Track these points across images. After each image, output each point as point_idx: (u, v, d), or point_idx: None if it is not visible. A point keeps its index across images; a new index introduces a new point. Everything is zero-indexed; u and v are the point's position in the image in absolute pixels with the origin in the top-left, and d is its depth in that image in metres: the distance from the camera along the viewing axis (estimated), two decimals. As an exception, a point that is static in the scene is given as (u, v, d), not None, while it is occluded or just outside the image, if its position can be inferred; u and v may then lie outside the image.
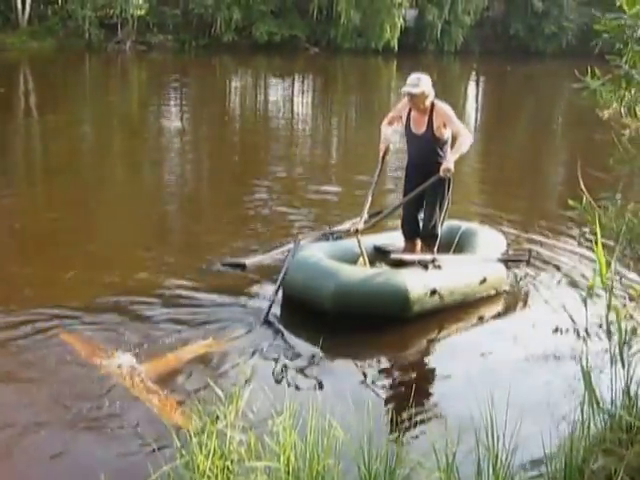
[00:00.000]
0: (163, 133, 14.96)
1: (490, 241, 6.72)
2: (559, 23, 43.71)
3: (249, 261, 6.39)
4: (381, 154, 6.49)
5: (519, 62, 36.96)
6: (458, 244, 6.56)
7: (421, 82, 6.14)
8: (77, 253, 7.11)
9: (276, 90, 23.45)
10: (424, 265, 6.05)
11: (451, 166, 5.99)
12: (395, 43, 36.69)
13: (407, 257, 6.26)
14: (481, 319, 6.18)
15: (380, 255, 6.51)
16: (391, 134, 6.54)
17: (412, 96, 6.16)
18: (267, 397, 3.69)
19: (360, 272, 5.91)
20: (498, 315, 6.25)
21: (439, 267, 6.07)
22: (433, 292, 5.90)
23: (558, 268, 7.20)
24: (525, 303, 6.40)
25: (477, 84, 31.13)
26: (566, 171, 13.19)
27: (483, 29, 42.68)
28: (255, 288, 6.35)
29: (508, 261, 6.64)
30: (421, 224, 6.51)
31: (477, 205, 9.75)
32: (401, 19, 36.71)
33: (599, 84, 4.02)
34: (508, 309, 6.31)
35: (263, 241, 7.51)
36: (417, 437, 4.22)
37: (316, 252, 6.11)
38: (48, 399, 4.46)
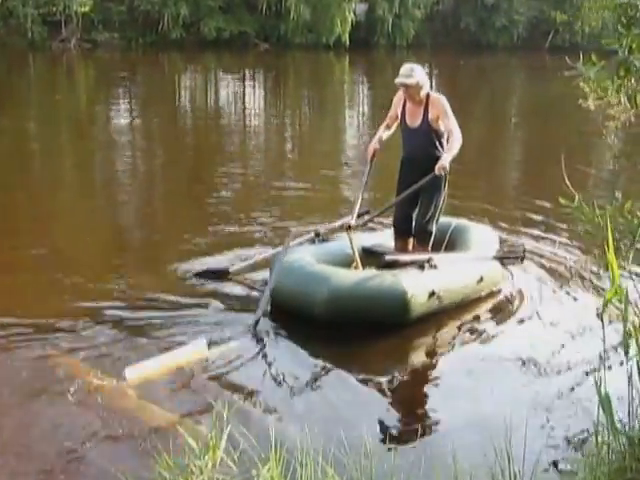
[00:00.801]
0: (112, 133, 14.42)
1: (483, 238, 6.48)
2: (509, 16, 43.84)
3: (232, 268, 6.15)
4: (369, 156, 6.27)
5: (471, 55, 36.96)
6: (449, 241, 6.32)
7: (414, 72, 5.95)
8: (25, 258, 6.63)
9: (226, 87, 22.94)
10: (420, 265, 5.74)
11: (447, 164, 5.77)
12: (346, 38, 36.39)
13: (402, 258, 5.94)
14: (478, 320, 5.83)
15: (371, 256, 6.14)
16: (384, 138, 6.29)
17: (407, 87, 5.96)
18: (253, 431, 3.34)
19: (354, 276, 5.60)
20: (496, 317, 5.92)
21: (435, 267, 5.75)
22: (432, 294, 5.58)
23: (552, 264, 6.98)
24: (522, 303, 6.09)
25: (431, 78, 30.57)
26: (540, 163, 12.90)
27: (434, 23, 42.69)
28: (241, 295, 6.00)
29: (503, 258, 6.44)
30: (414, 221, 6.26)
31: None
32: (352, 13, 36.43)
33: (595, 71, 3.78)
34: (505, 310, 6.03)
35: (234, 242, 7.11)
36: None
37: (304, 255, 5.78)
38: (25, 425, 4.03)
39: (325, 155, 12.77)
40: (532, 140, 15.12)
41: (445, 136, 6.04)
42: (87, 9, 31.69)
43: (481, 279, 6.03)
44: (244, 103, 19.63)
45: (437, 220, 6.20)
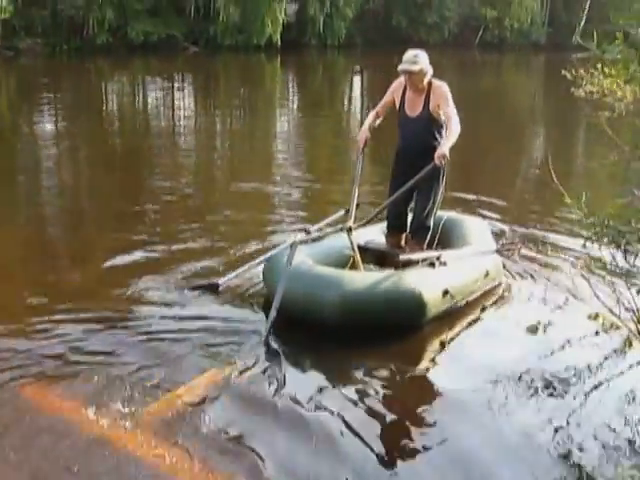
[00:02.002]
0: (35, 142, 13.66)
1: (478, 231, 6.34)
2: (440, 13, 44.23)
3: (222, 280, 5.79)
4: (361, 145, 5.99)
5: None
6: (441, 236, 6.13)
7: (419, 59, 5.72)
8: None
9: (155, 92, 22.25)
10: (430, 263, 5.53)
11: (446, 152, 5.49)
12: (278, 38, 36.03)
13: (415, 256, 5.69)
14: (485, 314, 5.68)
15: (366, 253, 5.91)
16: (373, 125, 6.04)
17: (410, 74, 5.74)
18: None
19: (365, 278, 5.31)
20: (503, 312, 5.74)
21: (445, 264, 5.56)
22: (445, 292, 5.38)
23: (548, 256, 6.80)
24: (525, 297, 5.95)
25: (361, 76, 30.76)
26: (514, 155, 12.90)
27: (365, 21, 42.53)
28: (238, 307, 5.59)
29: (503, 251, 6.37)
30: (410, 215, 6.10)
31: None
32: (283, 13, 36.03)
33: (617, 51, 3.57)
34: (512, 305, 5.86)
35: (186, 259, 6.56)
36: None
37: (303, 258, 5.42)
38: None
39: (262, 159, 12.58)
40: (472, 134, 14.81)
41: (444, 126, 5.81)
42: (7, 15, 30.54)
43: (487, 273, 5.90)
44: (173, 108, 19.13)
45: (435, 214, 6.03)
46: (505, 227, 7.59)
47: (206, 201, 9.26)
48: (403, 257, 5.68)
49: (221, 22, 35.20)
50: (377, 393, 4.41)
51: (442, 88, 5.81)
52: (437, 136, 5.83)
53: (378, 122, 6.10)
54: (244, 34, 35.83)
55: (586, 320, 5.19)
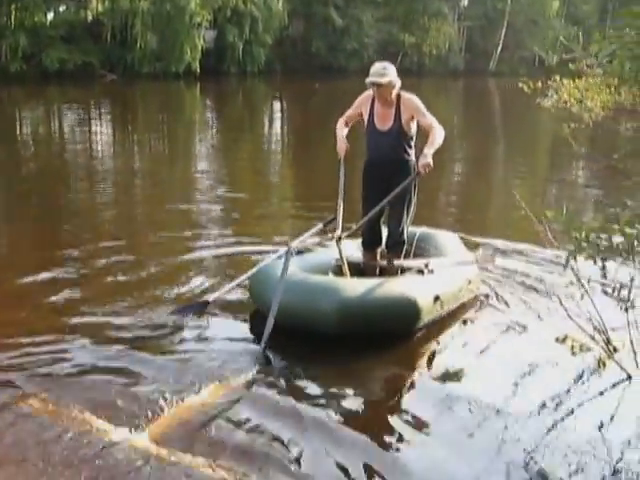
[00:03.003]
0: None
1: (451, 243, 6.48)
2: (359, 40, 44.73)
3: (212, 297, 5.53)
4: (342, 155, 5.90)
5: (323, 79, 37.37)
6: (416, 250, 6.19)
7: (387, 71, 5.65)
8: None
9: (71, 121, 21.37)
10: (419, 271, 5.68)
11: (430, 161, 5.44)
12: (197, 66, 35.74)
13: (406, 263, 5.90)
14: (467, 323, 5.76)
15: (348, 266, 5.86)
16: (346, 136, 5.96)
17: (379, 86, 5.65)
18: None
19: (361, 285, 5.24)
20: (486, 322, 5.76)
21: (432, 272, 5.67)
22: (436, 299, 5.44)
23: (520, 266, 7.08)
24: (507, 305, 6.00)
25: (281, 102, 30.95)
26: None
27: (284, 48, 42.69)
28: (230, 322, 5.60)
29: (480, 262, 6.38)
30: (388, 232, 6.04)
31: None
32: (201, 40, 35.49)
33: (611, 51, 3.52)
34: (493, 313, 5.92)
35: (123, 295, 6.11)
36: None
37: (292, 269, 5.36)
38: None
39: (184, 187, 12.19)
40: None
41: (414, 138, 5.85)
42: None
43: (469, 282, 5.97)
44: (90, 135, 18.27)
45: (408, 227, 6.02)
46: (477, 240, 7.63)
47: (128, 224, 9.10)
48: (397, 263, 5.87)
49: (139, 49, 34.55)
50: (373, 400, 4.51)
51: (412, 99, 5.74)
52: (408, 149, 5.81)
53: (346, 131, 5.98)
54: (162, 61, 35.33)
55: (555, 342, 5.10)
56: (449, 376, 4.79)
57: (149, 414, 3.98)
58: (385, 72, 5.58)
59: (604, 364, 4.80)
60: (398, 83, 5.68)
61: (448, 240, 6.46)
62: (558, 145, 13.78)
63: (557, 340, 5.09)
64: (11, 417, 3.97)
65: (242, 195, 10.92)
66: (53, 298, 5.88)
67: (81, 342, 5.05)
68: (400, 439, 3.98)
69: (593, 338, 4.75)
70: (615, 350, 4.80)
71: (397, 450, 3.90)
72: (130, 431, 3.80)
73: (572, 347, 4.98)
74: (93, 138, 17.63)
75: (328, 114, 23.81)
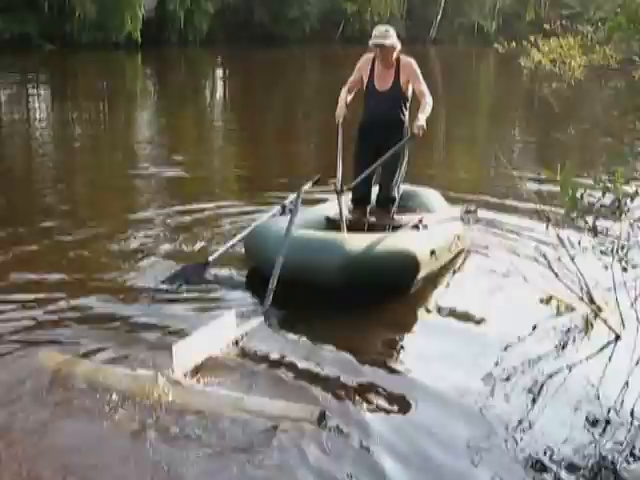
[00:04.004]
0: None
1: (434, 200, 6.70)
2: (301, 8, 44.36)
3: (211, 257, 5.72)
4: (340, 120, 6.05)
5: (264, 49, 37.30)
6: (400, 207, 6.36)
7: (389, 33, 5.93)
8: None
9: (8, 91, 20.92)
10: (414, 226, 5.88)
11: (424, 124, 5.73)
12: (138, 35, 35.12)
13: (405, 219, 6.11)
14: (456, 275, 6.03)
15: (334, 225, 5.99)
16: (348, 103, 6.14)
17: (383, 48, 5.93)
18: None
19: (362, 240, 5.37)
20: (471, 277, 6.03)
21: (426, 227, 5.88)
22: (432, 252, 5.63)
23: (504, 221, 7.40)
24: (482, 272, 6.08)
25: (223, 71, 30.88)
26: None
27: (226, 17, 42.00)
28: (228, 280, 5.69)
29: (464, 217, 6.57)
30: (380, 189, 6.27)
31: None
32: (142, 9, 34.96)
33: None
34: (478, 268, 6.18)
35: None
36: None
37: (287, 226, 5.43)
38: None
39: (122, 146, 12.54)
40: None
41: (409, 100, 6.10)
42: None
43: (458, 237, 6.17)
44: (27, 107, 18.08)
45: (400, 185, 6.25)
46: (456, 196, 7.76)
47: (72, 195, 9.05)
48: (397, 217, 6.12)
49: (77, 19, 33.90)
50: (374, 357, 4.54)
51: (411, 64, 5.99)
52: (404, 110, 6.06)
53: (350, 98, 6.16)
54: (102, 31, 34.68)
55: (539, 303, 5.15)
56: (438, 334, 4.92)
57: (179, 351, 4.01)
58: (388, 34, 5.87)
59: (591, 325, 4.89)
60: (398, 46, 5.96)
61: (431, 197, 6.71)
62: (541, 106, 14.06)
63: (541, 301, 5.16)
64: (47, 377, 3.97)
65: (183, 162, 10.93)
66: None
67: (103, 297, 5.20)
68: (391, 394, 4.04)
69: (582, 299, 4.85)
70: (600, 310, 4.85)
71: (389, 404, 3.95)
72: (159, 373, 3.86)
73: (557, 307, 5.09)
74: (31, 108, 17.41)
75: (270, 83, 24.20)
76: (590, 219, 4.19)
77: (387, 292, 5.25)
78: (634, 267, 4.39)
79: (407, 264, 5.40)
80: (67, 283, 5.57)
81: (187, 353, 4.02)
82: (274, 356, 4.36)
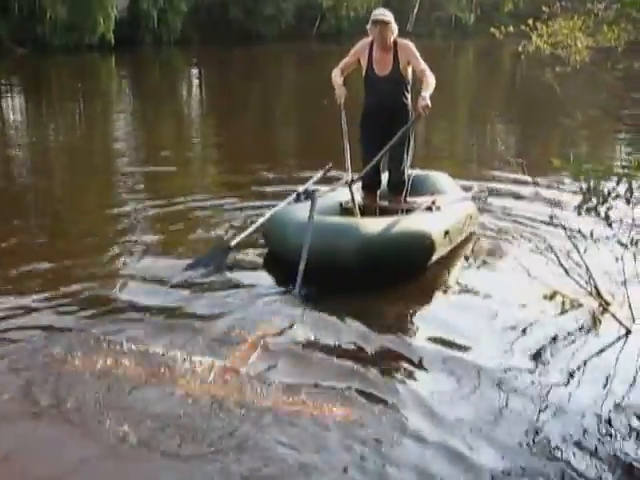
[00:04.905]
0: None
1: (445, 183, 6.83)
2: (277, 5, 43.88)
3: (233, 242, 5.79)
4: (341, 101, 6.07)
5: (241, 47, 36.81)
6: (412, 191, 6.46)
7: (388, 13, 5.99)
8: None
9: None
10: (428, 208, 6.01)
11: (429, 102, 5.69)
12: (111, 36, 34.42)
13: (419, 200, 6.26)
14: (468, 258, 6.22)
15: (347, 212, 6.19)
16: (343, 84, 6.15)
17: (383, 25, 5.92)
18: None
19: (377, 224, 5.56)
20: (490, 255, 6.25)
21: (439, 209, 6.01)
22: (446, 233, 5.81)
23: (511, 205, 7.60)
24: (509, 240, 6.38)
25: (199, 71, 29.98)
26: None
27: (200, 16, 41.48)
28: (251, 266, 5.89)
29: (476, 198, 6.80)
30: (390, 173, 6.36)
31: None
32: (114, 9, 34.33)
33: None
34: (493, 249, 6.38)
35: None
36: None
37: (306, 213, 5.57)
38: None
39: (99, 147, 12.45)
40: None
41: (410, 85, 6.13)
42: None
43: (470, 217, 6.37)
44: (1, 113, 17.52)
45: (409, 167, 6.34)
46: (469, 182, 7.85)
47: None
48: (409, 200, 6.27)
49: (49, 20, 33.11)
50: (397, 334, 4.69)
51: (409, 45, 5.99)
52: (406, 94, 6.08)
53: (342, 80, 6.12)
54: (75, 33, 33.96)
55: (543, 299, 5.01)
56: (446, 328, 4.87)
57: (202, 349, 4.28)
58: (386, 13, 5.95)
59: (599, 320, 4.81)
60: (396, 29, 6.00)
61: (442, 180, 6.84)
62: (546, 91, 14.16)
63: (545, 297, 5.02)
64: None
65: (165, 156, 11.12)
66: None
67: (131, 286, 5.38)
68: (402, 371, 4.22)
69: (590, 293, 4.80)
70: (608, 305, 4.81)
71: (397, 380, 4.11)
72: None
73: (563, 303, 5.00)
74: (5, 112, 17.04)
75: (247, 82, 23.82)
76: (603, 209, 4.14)
77: (402, 274, 5.42)
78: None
79: (422, 245, 5.58)
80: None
81: None
82: (307, 339, 4.55)
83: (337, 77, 6.06)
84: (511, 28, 5.47)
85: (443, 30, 52.30)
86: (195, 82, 26.50)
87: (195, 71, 30.13)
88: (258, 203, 7.50)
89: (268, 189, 8.29)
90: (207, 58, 33.73)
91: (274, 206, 6.04)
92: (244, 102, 18.95)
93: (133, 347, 4.24)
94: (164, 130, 14.87)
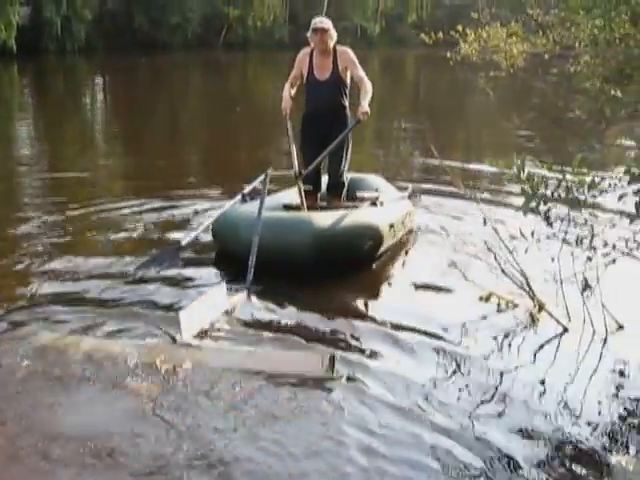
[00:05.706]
0: None
1: (380, 184, 7.05)
2: (183, 14, 43.66)
3: (184, 242, 5.64)
4: (287, 112, 6.35)
5: (146, 56, 36.45)
6: (349, 192, 6.63)
7: (326, 20, 6.36)
8: None
9: None
10: (372, 203, 6.24)
11: (368, 110, 6.00)
12: (12, 44, 33.52)
13: (367, 195, 6.46)
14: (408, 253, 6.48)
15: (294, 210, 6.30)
16: (292, 97, 6.44)
17: (323, 32, 6.22)
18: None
19: (328, 217, 5.68)
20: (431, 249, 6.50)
21: (382, 204, 6.23)
22: (391, 226, 6.01)
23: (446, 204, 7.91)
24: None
25: (104, 80, 29.74)
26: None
27: (104, 23, 40.97)
28: (201, 264, 5.97)
29: (412, 197, 7.02)
30: (329, 175, 6.58)
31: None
32: (17, 17, 33.39)
33: None
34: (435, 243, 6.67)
35: None
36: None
37: (254, 211, 5.68)
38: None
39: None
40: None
41: (348, 89, 6.41)
42: None
43: (409, 214, 6.61)
44: None
45: (347, 170, 6.56)
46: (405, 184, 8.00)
47: None
48: (359, 194, 6.46)
49: (-54, 28, 31.57)
50: (351, 325, 4.79)
51: (347, 52, 6.31)
52: (345, 97, 6.37)
53: (293, 92, 6.46)
54: (-26, 40, 32.57)
55: (479, 301, 5.10)
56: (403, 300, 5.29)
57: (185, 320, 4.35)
58: (324, 21, 6.31)
59: (537, 319, 4.84)
60: (335, 35, 6.31)
61: (378, 181, 7.12)
62: (479, 96, 14.68)
63: (481, 299, 5.10)
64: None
65: (69, 164, 11.13)
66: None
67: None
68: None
69: (529, 294, 4.87)
70: (543, 304, 4.84)
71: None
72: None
73: (498, 304, 5.05)
74: None
75: (153, 91, 23.78)
76: (544, 208, 4.26)
77: (351, 266, 5.63)
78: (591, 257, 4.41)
79: (371, 237, 5.79)
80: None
81: (191, 319, 4.39)
82: (265, 323, 4.76)
83: (286, 91, 6.38)
84: (440, 34, 5.42)
85: (350, 39, 52.76)
86: (99, 90, 26.27)
87: (99, 80, 29.86)
88: (166, 204, 7.88)
89: (174, 192, 8.45)
90: (112, 66, 33.43)
91: (218, 207, 6.28)
92: (149, 111, 19.01)
93: (70, 341, 4.25)
94: (67, 138, 14.68)
